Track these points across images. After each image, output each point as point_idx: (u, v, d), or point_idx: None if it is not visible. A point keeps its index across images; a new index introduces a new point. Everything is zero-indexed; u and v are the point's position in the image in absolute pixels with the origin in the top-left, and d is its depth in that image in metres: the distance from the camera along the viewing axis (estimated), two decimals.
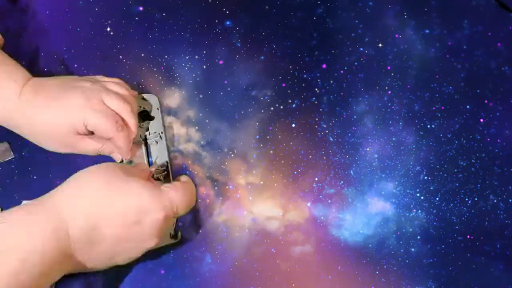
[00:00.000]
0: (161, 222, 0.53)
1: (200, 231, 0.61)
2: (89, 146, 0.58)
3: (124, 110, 0.57)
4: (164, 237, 0.57)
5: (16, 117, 0.56)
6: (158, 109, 0.63)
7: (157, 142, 0.62)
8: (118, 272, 0.58)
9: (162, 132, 0.62)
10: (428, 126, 0.63)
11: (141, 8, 0.65)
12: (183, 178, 0.61)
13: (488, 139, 0.62)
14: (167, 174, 0.61)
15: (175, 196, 0.54)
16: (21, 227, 0.47)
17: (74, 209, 0.49)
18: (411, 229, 0.61)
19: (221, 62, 0.64)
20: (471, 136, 0.63)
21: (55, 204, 0.50)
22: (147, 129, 0.62)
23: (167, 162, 0.61)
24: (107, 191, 0.51)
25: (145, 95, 0.63)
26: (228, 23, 0.65)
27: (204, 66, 0.64)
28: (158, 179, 0.60)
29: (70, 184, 0.52)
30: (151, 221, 0.52)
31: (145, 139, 0.62)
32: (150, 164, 0.61)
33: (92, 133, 0.57)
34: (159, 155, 0.62)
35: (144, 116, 0.63)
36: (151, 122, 0.62)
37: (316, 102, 0.64)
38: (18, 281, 0.45)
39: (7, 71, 0.56)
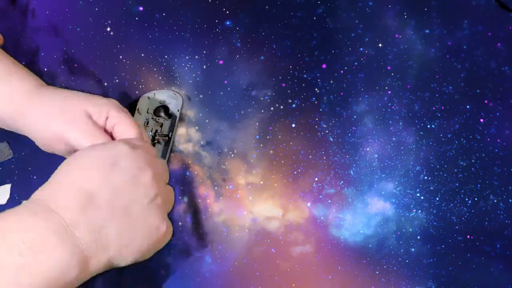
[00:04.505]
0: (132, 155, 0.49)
1: (200, 231, 0.61)
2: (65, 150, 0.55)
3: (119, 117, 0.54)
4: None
5: (17, 113, 0.55)
6: (178, 110, 0.63)
7: (160, 143, 0.62)
8: (118, 272, 0.58)
9: (171, 134, 0.62)
10: (428, 126, 0.63)
11: (141, 8, 0.65)
12: None
13: (488, 139, 0.62)
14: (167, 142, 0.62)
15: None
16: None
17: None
18: (411, 229, 0.61)
19: (221, 62, 0.64)
20: (471, 136, 0.63)
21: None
22: (161, 125, 0.62)
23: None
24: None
25: (173, 93, 0.63)
26: (228, 23, 0.65)
27: (204, 66, 0.64)
28: (158, 142, 0.61)
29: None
30: (128, 161, 0.48)
31: (154, 135, 0.62)
32: None
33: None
34: (161, 153, 0.62)
35: (165, 111, 0.63)
36: (167, 121, 0.62)
37: (316, 102, 0.64)
38: None
39: (19, 78, 0.56)
